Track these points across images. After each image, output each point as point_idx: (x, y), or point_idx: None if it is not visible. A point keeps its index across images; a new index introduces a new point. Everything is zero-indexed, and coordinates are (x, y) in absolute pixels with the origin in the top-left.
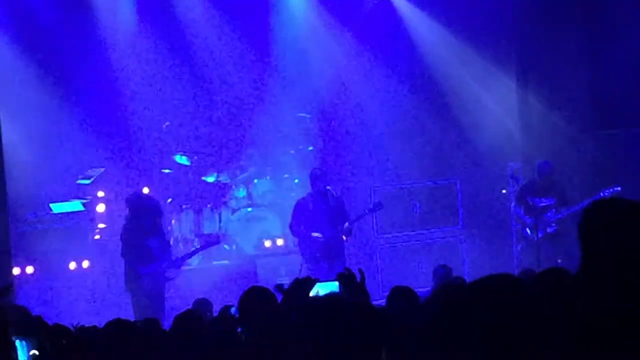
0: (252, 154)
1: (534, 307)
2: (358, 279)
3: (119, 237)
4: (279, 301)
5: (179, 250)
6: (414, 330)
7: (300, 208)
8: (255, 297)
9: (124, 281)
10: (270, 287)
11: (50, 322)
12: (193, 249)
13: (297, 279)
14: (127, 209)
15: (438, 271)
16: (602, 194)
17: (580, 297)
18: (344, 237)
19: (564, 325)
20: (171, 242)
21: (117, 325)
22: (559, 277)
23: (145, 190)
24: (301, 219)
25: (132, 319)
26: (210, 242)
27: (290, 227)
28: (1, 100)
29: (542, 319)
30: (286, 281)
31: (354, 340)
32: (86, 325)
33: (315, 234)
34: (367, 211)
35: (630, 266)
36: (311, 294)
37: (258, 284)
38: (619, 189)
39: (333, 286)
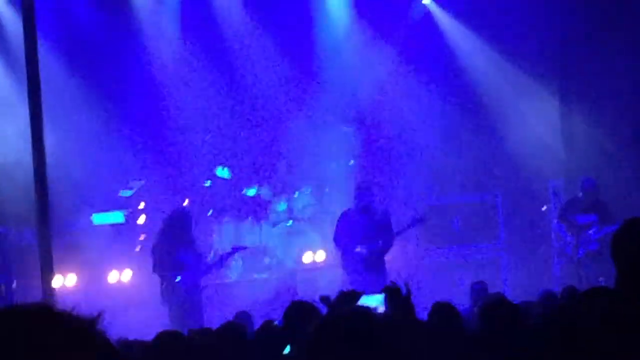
0: (294, 168)
1: (579, 327)
2: (404, 293)
3: (150, 252)
4: (323, 314)
5: None
6: (456, 345)
7: (344, 220)
8: (300, 311)
9: (160, 295)
10: (312, 300)
11: None
12: (222, 254)
13: (342, 292)
14: (162, 223)
15: (475, 286)
16: None
17: (617, 315)
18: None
19: (604, 343)
20: (211, 255)
21: (168, 337)
22: (601, 297)
23: (186, 202)
24: (345, 232)
25: None
26: (239, 248)
27: (335, 239)
28: (47, 112)
29: (585, 337)
30: (326, 294)
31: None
32: (129, 339)
33: (358, 249)
34: (411, 223)
35: None
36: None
37: (298, 298)
38: None
39: (379, 299)
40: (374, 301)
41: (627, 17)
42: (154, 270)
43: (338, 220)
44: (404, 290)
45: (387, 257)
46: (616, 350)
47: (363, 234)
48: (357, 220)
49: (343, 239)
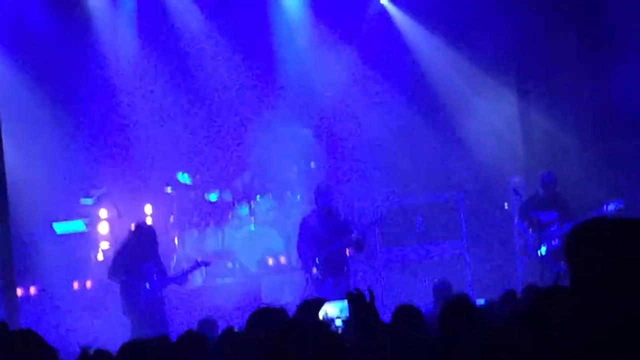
0: (251, 175)
1: (538, 328)
2: (367, 299)
3: (112, 257)
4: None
5: (182, 268)
6: (421, 349)
7: (306, 226)
8: (264, 316)
9: (121, 306)
10: (275, 305)
11: (53, 344)
12: (185, 269)
13: (305, 301)
14: (131, 232)
15: (438, 286)
16: (605, 208)
17: (572, 316)
18: (357, 251)
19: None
20: (174, 261)
21: (133, 348)
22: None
23: (148, 209)
24: (307, 238)
25: None
26: (202, 263)
27: (298, 247)
28: (4, 120)
29: (545, 337)
30: (290, 298)
31: None
32: (92, 347)
33: (315, 271)
34: (371, 223)
35: (615, 285)
36: (320, 314)
37: (262, 302)
38: (621, 204)
39: (342, 305)
40: (337, 308)
41: (585, 12)
42: (109, 277)
43: (300, 226)
44: (367, 297)
45: (350, 259)
46: (574, 351)
47: (324, 237)
48: (317, 224)
49: (306, 247)
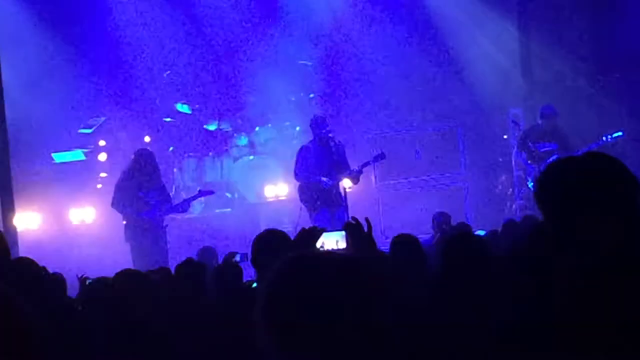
0: (254, 102)
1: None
2: (365, 229)
3: (114, 186)
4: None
5: (181, 198)
6: (419, 279)
7: (304, 154)
8: (271, 239)
9: (124, 232)
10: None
11: (54, 272)
12: (189, 197)
13: (303, 229)
14: (132, 161)
15: (437, 218)
16: (604, 139)
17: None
18: (353, 183)
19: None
20: (173, 190)
21: (126, 275)
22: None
23: (147, 139)
24: (304, 166)
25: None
26: (206, 192)
27: (295, 172)
28: (3, 50)
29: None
30: (289, 228)
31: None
32: (91, 276)
33: (324, 179)
34: (371, 161)
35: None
36: (318, 244)
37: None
38: (620, 134)
39: (339, 236)
40: (335, 238)
41: None
42: (113, 205)
43: (297, 153)
44: (365, 227)
45: (349, 190)
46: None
47: (322, 167)
48: (315, 153)
49: (303, 172)
